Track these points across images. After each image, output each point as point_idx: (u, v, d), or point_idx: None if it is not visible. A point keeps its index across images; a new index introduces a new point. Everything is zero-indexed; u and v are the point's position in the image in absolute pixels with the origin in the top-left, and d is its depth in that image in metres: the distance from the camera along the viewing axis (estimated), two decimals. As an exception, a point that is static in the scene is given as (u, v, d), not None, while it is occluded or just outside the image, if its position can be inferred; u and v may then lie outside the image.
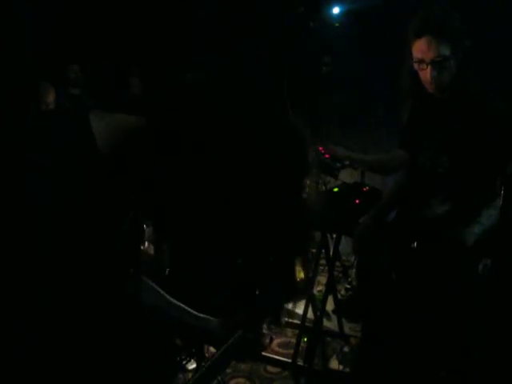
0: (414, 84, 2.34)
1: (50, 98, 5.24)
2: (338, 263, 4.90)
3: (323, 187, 4.80)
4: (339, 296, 4.17)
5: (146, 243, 4.54)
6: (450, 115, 2.29)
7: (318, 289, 4.37)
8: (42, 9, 6.31)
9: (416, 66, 2.28)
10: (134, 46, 6.84)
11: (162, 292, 1.73)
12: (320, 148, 2.74)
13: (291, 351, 3.56)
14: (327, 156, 2.73)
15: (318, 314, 3.47)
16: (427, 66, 2.23)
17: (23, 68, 6.07)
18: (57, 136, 1.08)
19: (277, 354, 3.75)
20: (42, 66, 5.99)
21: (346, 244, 5.19)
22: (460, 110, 2.26)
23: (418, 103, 2.45)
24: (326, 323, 4.01)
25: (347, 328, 3.94)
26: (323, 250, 3.50)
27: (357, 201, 3.09)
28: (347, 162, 2.68)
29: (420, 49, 2.24)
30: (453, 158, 2.21)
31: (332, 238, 4.01)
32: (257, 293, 1.12)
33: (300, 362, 3.43)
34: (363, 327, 2.68)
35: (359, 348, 2.75)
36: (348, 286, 4.44)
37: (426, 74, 2.26)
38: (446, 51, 2.19)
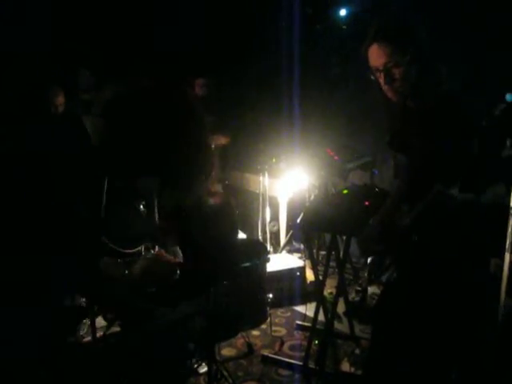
0: (382, 94, 2.33)
1: (60, 100, 5.29)
2: (348, 265, 4.90)
3: (333, 189, 4.81)
4: (350, 298, 4.17)
5: (157, 247, 4.55)
6: (416, 121, 2.27)
7: (328, 291, 4.37)
8: (54, 14, 6.37)
9: (375, 75, 2.28)
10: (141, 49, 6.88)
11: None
12: (328, 150, 2.75)
13: (302, 354, 3.56)
14: (336, 158, 2.74)
15: (329, 316, 3.46)
16: (381, 73, 2.22)
17: (33, 71, 6.12)
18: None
19: (288, 356, 3.75)
20: (53, 70, 6.03)
21: (356, 246, 5.20)
22: (425, 115, 2.23)
23: (390, 112, 2.43)
24: (336, 325, 4.01)
25: (358, 330, 3.93)
26: (333, 252, 3.50)
27: (366, 203, 3.08)
28: None
29: (372, 57, 2.24)
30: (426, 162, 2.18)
31: (342, 240, 4.01)
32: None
33: (311, 365, 3.42)
34: (373, 329, 2.67)
35: (369, 350, 2.74)
36: (359, 288, 4.43)
37: (381, 82, 2.25)
38: (396, 57, 2.16)
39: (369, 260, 4.54)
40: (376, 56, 2.21)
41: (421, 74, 2.20)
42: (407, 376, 2.37)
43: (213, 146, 5.43)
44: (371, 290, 4.32)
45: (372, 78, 2.28)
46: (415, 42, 2.19)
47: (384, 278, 2.44)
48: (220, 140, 5.49)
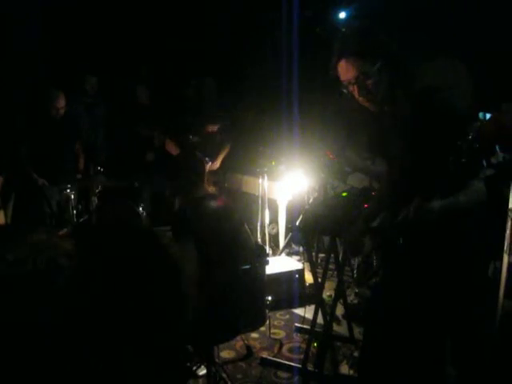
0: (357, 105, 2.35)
1: (61, 103, 5.32)
2: (347, 268, 4.91)
3: (332, 192, 4.81)
4: (349, 301, 4.17)
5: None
6: (394, 126, 2.28)
7: (327, 294, 4.37)
8: (57, 21, 6.41)
9: (348, 89, 2.30)
10: (144, 53, 6.91)
11: None
12: (328, 152, 2.75)
13: (301, 356, 3.56)
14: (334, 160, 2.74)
15: (328, 318, 3.46)
16: (353, 86, 2.24)
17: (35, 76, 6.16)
18: None
19: (287, 359, 3.75)
20: (59, 76, 6.08)
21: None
22: (404, 120, 2.24)
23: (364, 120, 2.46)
24: (335, 328, 4.01)
25: (357, 332, 3.93)
26: (332, 255, 3.50)
27: (366, 205, 3.09)
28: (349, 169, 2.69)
29: (342, 72, 2.26)
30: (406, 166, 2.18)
31: (341, 242, 4.01)
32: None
33: (310, 367, 3.42)
34: (364, 332, 2.68)
35: (361, 352, 2.74)
36: (357, 291, 4.43)
37: (356, 95, 2.27)
38: (365, 68, 2.18)
39: (356, 262, 4.56)
40: (345, 71, 2.24)
41: (393, 79, 2.21)
42: (399, 377, 2.38)
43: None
44: (360, 291, 4.32)
45: (345, 91, 2.29)
46: (382, 50, 2.21)
47: (372, 282, 2.45)
48: (223, 151, 5.57)
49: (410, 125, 2.19)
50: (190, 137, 5.48)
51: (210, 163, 5.50)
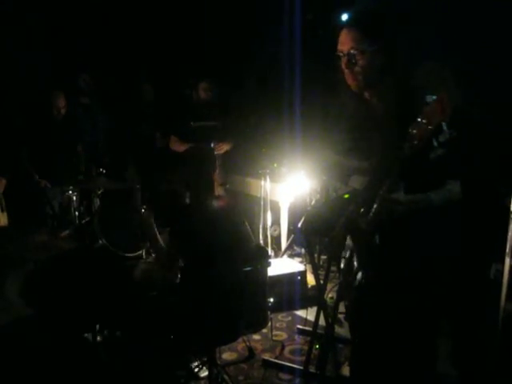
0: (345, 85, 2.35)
1: (61, 103, 5.34)
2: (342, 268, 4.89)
3: (334, 194, 4.80)
4: (346, 302, 4.16)
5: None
6: (373, 117, 2.29)
7: (329, 296, 4.37)
8: (53, 19, 6.42)
9: (339, 59, 2.28)
10: (144, 54, 6.92)
11: None
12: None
13: (303, 358, 3.56)
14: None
15: (330, 320, 3.45)
16: (344, 57, 2.24)
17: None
18: None
19: (289, 360, 3.75)
20: (58, 77, 6.10)
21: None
22: (384, 112, 2.24)
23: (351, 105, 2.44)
24: (337, 330, 4.00)
25: (359, 335, 3.93)
26: (334, 257, 3.50)
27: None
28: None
29: (340, 41, 2.26)
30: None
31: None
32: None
33: (312, 369, 3.41)
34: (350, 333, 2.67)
35: (351, 354, 2.73)
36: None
37: (343, 67, 2.26)
38: (362, 44, 2.18)
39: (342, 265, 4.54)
40: (344, 40, 2.24)
41: (384, 66, 2.21)
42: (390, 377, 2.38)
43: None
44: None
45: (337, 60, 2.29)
46: (384, 35, 2.21)
47: (355, 282, 2.44)
48: (223, 148, 5.52)
49: (391, 114, 2.20)
50: (192, 124, 5.44)
51: (218, 144, 5.43)
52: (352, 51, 2.21)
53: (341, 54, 2.26)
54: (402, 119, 2.12)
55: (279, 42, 6.24)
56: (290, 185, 5.50)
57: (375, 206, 2.16)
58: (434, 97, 1.91)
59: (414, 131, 1.95)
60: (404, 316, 2.28)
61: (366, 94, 2.32)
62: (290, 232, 5.78)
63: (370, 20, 2.23)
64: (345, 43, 2.23)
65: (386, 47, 2.20)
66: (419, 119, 1.93)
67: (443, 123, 1.93)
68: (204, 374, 3.41)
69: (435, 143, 1.96)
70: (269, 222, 5.59)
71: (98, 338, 3.45)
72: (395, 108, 2.21)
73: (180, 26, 7.07)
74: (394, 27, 2.27)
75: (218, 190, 5.38)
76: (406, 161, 2.02)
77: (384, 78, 2.23)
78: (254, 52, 6.68)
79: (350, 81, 2.29)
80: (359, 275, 2.41)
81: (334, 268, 3.84)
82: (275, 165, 5.58)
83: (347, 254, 2.50)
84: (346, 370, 3.48)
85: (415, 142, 1.96)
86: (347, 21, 2.26)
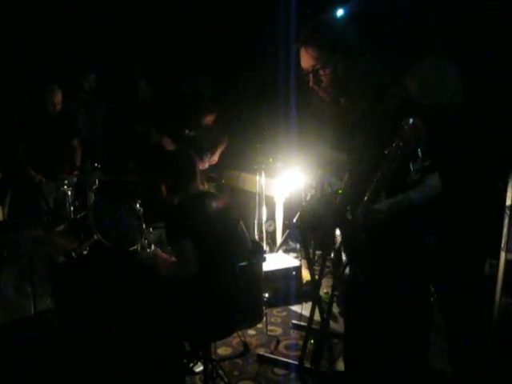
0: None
1: (57, 98, 5.31)
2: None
3: (329, 189, 4.80)
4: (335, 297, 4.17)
5: (153, 246, 4.56)
6: (351, 121, 2.31)
7: (324, 291, 4.38)
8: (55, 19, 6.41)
9: (306, 76, 2.33)
10: (140, 51, 6.90)
11: None
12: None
13: (298, 353, 3.57)
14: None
15: (325, 316, 3.47)
16: (309, 74, 2.29)
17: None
18: None
19: (284, 355, 3.76)
20: (57, 73, 6.08)
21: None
22: (367, 111, 2.26)
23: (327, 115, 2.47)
24: (332, 325, 4.01)
25: (354, 330, 3.94)
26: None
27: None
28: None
29: (302, 60, 2.31)
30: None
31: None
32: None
33: (307, 364, 3.43)
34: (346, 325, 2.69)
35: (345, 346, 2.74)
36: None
37: (311, 83, 2.31)
38: (320, 59, 2.22)
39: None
40: (304, 59, 2.29)
41: (348, 71, 2.23)
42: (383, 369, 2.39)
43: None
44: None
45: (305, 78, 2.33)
46: (342, 45, 2.23)
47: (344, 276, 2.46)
48: (215, 160, 5.57)
49: (366, 116, 2.22)
50: (186, 131, 5.48)
51: (209, 157, 5.49)
52: (315, 67, 2.25)
53: (306, 73, 2.30)
54: (376, 120, 2.15)
55: (276, 37, 6.22)
56: (285, 180, 5.50)
57: (359, 213, 2.18)
58: (411, 120, 1.93)
59: (391, 153, 1.97)
60: (393, 310, 2.29)
61: (341, 100, 2.34)
62: (285, 227, 5.79)
63: (322, 33, 2.25)
64: (306, 61, 2.28)
65: (347, 53, 2.22)
66: (396, 142, 1.95)
67: (419, 149, 1.95)
68: (199, 368, 3.42)
69: (411, 168, 1.98)
70: (264, 218, 5.59)
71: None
72: (368, 110, 2.23)
73: (178, 22, 7.05)
74: (353, 30, 2.29)
75: (205, 186, 5.40)
76: (386, 179, 2.04)
77: (352, 83, 2.25)
78: (250, 48, 6.66)
79: (321, 94, 2.34)
80: (347, 269, 2.42)
81: (328, 263, 3.85)
82: (270, 160, 5.58)
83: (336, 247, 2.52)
84: (340, 365, 3.49)
85: (393, 165, 1.98)
86: (301, 39, 2.28)
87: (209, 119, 5.55)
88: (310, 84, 2.31)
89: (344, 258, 2.45)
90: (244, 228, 3.32)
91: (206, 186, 5.36)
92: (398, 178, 2.04)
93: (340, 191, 3.16)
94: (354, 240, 2.26)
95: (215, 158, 5.62)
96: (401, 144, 1.94)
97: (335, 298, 3.84)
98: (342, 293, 3.38)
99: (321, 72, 2.24)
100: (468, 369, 3.07)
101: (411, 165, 1.98)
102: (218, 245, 3.02)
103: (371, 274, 2.31)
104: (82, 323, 3.34)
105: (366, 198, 2.13)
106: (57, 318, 3.42)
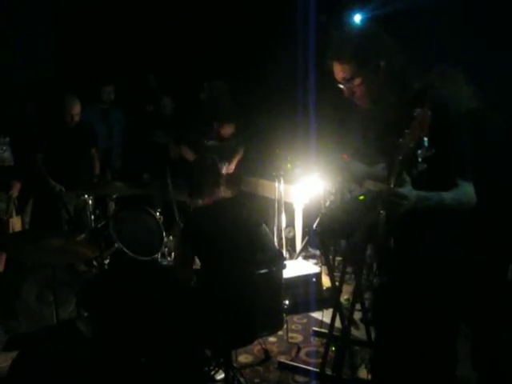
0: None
1: (76, 110, 5.35)
2: (364, 271, 4.87)
3: (348, 195, 4.78)
4: (366, 304, 4.14)
5: (173, 254, 4.56)
6: (388, 124, 2.30)
7: (345, 297, 4.36)
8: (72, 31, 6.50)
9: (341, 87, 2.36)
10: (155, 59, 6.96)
11: None
12: (345, 156, 2.74)
13: (319, 360, 3.55)
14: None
15: (346, 322, 3.45)
16: (344, 85, 2.30)
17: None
18: None
19: (305, 363, 3.74)
20: (75, 85, 6.15)
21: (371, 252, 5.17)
22: (396, 116, 2.25)
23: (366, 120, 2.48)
24: (353, 332, 3.99)
25: (375, 336, 3.91)
26: (350, 258, 3.49)
27: (382, 208, 3.07)
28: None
29: (335, 72, 2.32)
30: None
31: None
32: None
33: (328, 372, 3.41)
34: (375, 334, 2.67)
35: (373, 355, 2.72)
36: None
37: (348, 94, 2.33)
38: (352, 70, 2.23)
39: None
40: (336, 72, 2.31)
41: (384, 80, 2.23)
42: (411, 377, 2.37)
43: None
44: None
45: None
46: (371, 50, 2.23)
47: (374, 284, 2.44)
48: (232, 168, 5.59)
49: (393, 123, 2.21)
50: (205, 141, 5.51)
51: (227, 165, 5.51)
52: (348, 79, 2.27)
53: (340, 83, 2.32)
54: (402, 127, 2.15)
55: (294, 44, 6.23)
56: (305, 186, 5.49)
57: (381, 201, 2.16)
58: (419, 109, 1.93)
59: (401, 140, 1.97)
60: (421, 319, 2.27)
61: (378, 105, 2.34)
62: (304, 234, 5.77)
63: (351, 46, 2.26)
64: (338, 74, 2.30)
65: (377, 62, 2.23)
66: (406, 131, 1.95)
67: (425, 138, 1.93)
68: (220, 376, 3.42)
69: (419, 158, 1.97)
70: (283, 224, 5.58)
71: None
72: (396, 117, 2.23)
73: (194, 28, 7.10)
74: (381, 40, 2.29)
75: (228, 193, 5.41)
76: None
77: (386, 90, 2.25)
78: (269, 54, 6.68)
79: (358, 103, 2.36)
80: (378, 278, 2.40)
81: (349, 270, 3.84)
82: (289, 166, 5.57)
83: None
84: (362, 373, 3.47)
85: (401, 157, 1.98)
86: (331, 55, 2.30)
87: (226, 130, 5.58)
88: (346, 95, 2.34)
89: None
90: (267, 230, 3.32)
91: (228, 193, 5.39)
92: (406, 167, 2.02)
93: (361, 197, 3.15)
94: (382, 244, 2.24)
95: (232, 166, 5.63)
96: (408, 133, 1.94)
97: (358, 306, 3.82)
98: (371, 300, 3.35)
99: (355, 82, 2.26)
100: (493, 375, 3.04)
101: (418, 154, 1.97)
102: (237, 251, 3.02)
103: (399, 279, 2.29)
104: (105, 332, 3.35)
105: (389, 182, 2.09)
106: (81, 327, 3.44)
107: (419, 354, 2.30)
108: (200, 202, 3.18)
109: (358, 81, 2.25)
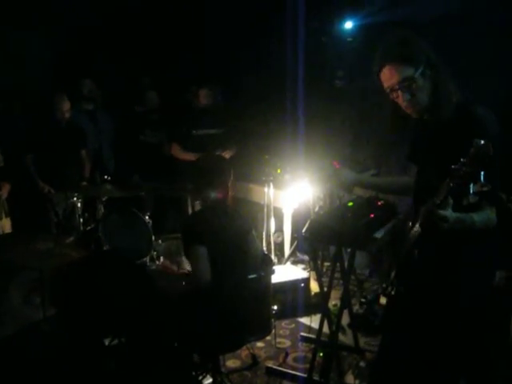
0: (399, 114, 2.36)
1: (66, 106, 5.33)
2: (352, 277, 4.90)
3: (337, 201, 4.80)
4: (354, 310, 4.16)
5: (162, 258, 4.57)
6: (438, 134, 2.30)
7: (333, 303, 4.37)
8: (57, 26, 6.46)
9: (391, 96, 2.31)
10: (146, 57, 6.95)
11: None
12: (335, 163, 2.76)
13: (307, 366, 3.55)
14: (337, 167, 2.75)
15: (334, 328, 3.46)
16: (397, 92, 2.26)
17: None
18: None
19: (292, 368, 3.74)
20: (57, 80, 6.12)
21: (360, 258, 5.19)
22: (445, 127, 2.25)
23: (413, 128, 2.47)
24: (341, 338, 4.00)
25: (363, 342, 3.93)
26: (338, 264, 3.50)
27: (371, 215, 3.09)
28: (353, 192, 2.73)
29: (385, 79, 2.28)
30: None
31: (347, 251, 4.01)
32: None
33: (316, 377, 3.42)
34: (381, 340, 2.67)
35: (376, 361, 2.73)
36: (363, 300, 4.42)
37: (400, 101, 2.29)
38: (409, 72, 2.20)
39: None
40: (389, 76, 2.25)
41: (436, 84, 2.23)
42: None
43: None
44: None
45: (391, 97, 2.31)
46: (423, 54, 2.22)
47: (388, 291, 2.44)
48: (225, 155, 5.56)
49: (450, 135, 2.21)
50: (194, 132, 5.49)
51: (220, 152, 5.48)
52: (403, 82, 2.22)
53: (393, 90, 2.27)
54: (453, 137, 2.16)
55: (284, 50, 6.25)
56: (294, 192, 5.50)
57: (420, 219, 2.18)
58: (482, 141, 1.89)
59: (456, 169, 1.94)
60: (440, 331, 2.28)
61: (425, 115, 2.33)
62: (293, 239, 5.78)
63: (404, 47, 2.23)
64: (392, 78, 2.24)
65: (429, 66, 2.21)
66: (462, 160, 1.92)
67: (482, 172, 1.91)
68: (208, 381, 3.41)
69: (471, 191, 1.96)
70: (272, 229, 5.59)
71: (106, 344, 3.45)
72: (447, 125, 2.23)
73: (183, 33, 7.10)
74: (424, 43, 2.28)
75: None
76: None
77: (439, 95, 2.24)
78: (258, 59, 6.70)
79: (410, 111, 2.31)
80: (395, 286, 2.40)
81: (337, 275, 3.85)
82: (279, 171, 5.58)
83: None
84: (349, 378, 3.49)
85: (452, 184, 1.96)
86: (385, 58, 2.26)
87: (205, 96, 5.65)
88: (399, 100, 2.28)
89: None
90: (255, 237, 3.32)
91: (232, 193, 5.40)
92: (456, 196, 2.02)
93: (350, 203, 3.16)
94: (407, 255, 2.27)
95: (226, 156, 5.58)
96: (466, 162, 1.91)
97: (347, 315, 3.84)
98: (385, 307, 3.35)
99: (412, 85, 2.22)
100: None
101: (471, 187, 1.95)
102: (226, 256, 3.02)
103: (420, 289, 2.31)
104: (85, 333, 3.34)
105: (432, 203, 2.10)
106: (57, 327, 3.43)
107: (428, 365, 2.31)
108: (212, 194, 3.13)
109: (414, 82, 2.21)
